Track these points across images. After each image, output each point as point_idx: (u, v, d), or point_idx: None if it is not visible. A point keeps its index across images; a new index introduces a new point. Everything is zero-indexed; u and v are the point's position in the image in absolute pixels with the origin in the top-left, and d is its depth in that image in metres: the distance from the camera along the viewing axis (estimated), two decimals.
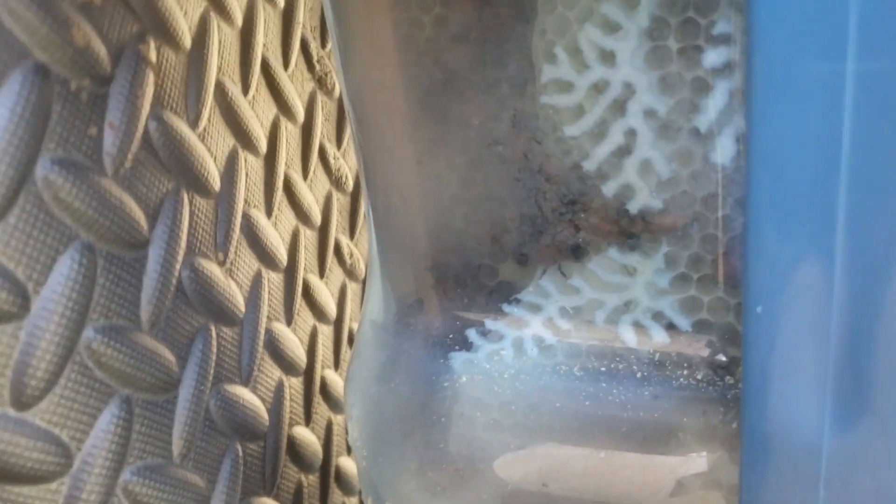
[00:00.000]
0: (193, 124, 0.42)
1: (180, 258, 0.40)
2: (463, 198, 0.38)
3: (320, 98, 0.56)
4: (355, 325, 0.61)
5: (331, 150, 0.58)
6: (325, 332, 0.57)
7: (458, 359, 0.39)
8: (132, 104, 0.37)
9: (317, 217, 0.55)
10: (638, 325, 0.36)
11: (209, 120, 0.43)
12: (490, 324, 0.39)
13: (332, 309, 0.57)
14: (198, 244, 0.42)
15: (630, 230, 0.35)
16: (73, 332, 0.34)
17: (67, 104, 0.33)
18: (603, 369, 0.37)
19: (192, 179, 0.42)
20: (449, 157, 0.37)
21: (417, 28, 0.35)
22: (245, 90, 0.47)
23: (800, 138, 0.25)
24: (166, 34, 0.39)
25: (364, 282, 0.63)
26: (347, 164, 0.60)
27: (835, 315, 0.27)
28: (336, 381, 0.58)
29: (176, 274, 0.40)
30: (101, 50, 0.35)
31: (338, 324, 0.59)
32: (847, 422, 0.29)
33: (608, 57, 0.33)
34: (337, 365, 0.58)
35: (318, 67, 0.56)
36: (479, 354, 0.39)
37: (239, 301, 0.45)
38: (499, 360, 0.38)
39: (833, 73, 0.24)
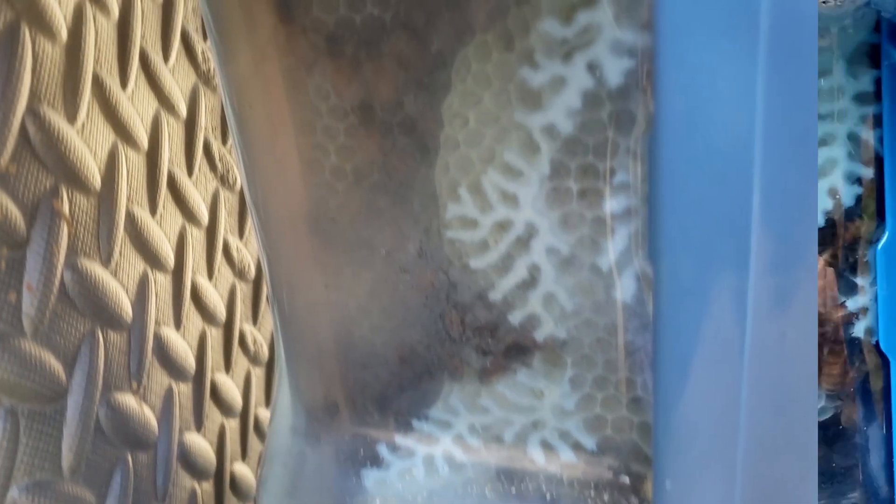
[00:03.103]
0: (106, 262, 0.42)
1: (97, 398, 0.39)
2: (371, 320, 0.38)
3: (223, 194, 0.56)
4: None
5: (234, 242, 0.57)
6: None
7: (371, 478, 0.39)
8: (48, 261, 0.36)
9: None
10: (546, 445, 0.36)
11: (121, 253, 0.43)
12: (400, 440, 0.38)
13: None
14: (113, 379, 0.42)
15: (536, 357, 0.35)
16: None
17: None
18: (513, 490, 0.37)
19: (107, 318, 0.42)
20: (357, 283, 0.37)
21: (322, 153, 0.35)
22: (153, 211, 0.46)
23: (704, 345, 0.26)
24: (77, 180, 0.39)
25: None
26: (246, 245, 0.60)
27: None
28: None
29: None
30: (17, 216, 0.35)
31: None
32: None
33: (511, 199, 0.33)
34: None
35: (220, 166, 0.55)
36: (390, 473, 0.38)
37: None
38: (411, 479, 0.38)
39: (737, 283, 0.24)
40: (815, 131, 0.25)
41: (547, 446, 0.36)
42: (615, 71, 0.30)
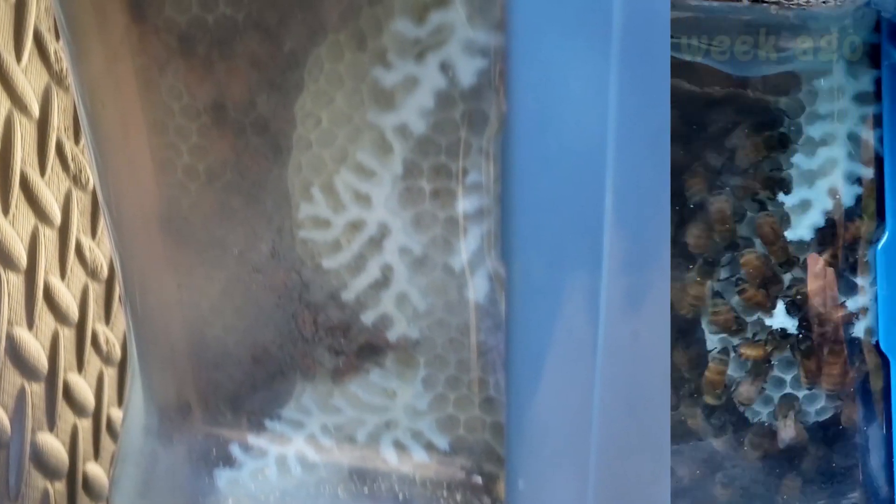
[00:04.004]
0: None
1: None
2: (224, 320, 0.36)
3: (76, 194, 0.54)
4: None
5: (86, 242, 0.55)
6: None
7: (223, 478, 0.37)
8: None
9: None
10: (398, 445, 0.35)
11: None
12: (253, 440, 0.37)
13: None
14: None
15: (388, 357, 0.34)
16: None
17: None
18: (366, 490, 0.35)
19: None
20: (209, 283, 0.36)
21: (175, 153, 0.34)
22: (5, 211, 0.45)
23: (557, 345, 0.25)
24: None
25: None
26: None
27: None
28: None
29: None
30: None
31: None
32: None
33: (363, 199, 0.31)
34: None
35: (72, 165, 0.53)
36: (243, 472, 0.37)
37: None
38: (263, 479, 0.36)
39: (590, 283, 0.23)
40: (668, 130, 0.24)
41: (399, 446, 0.35)
42: (468, 71, 0.29)
